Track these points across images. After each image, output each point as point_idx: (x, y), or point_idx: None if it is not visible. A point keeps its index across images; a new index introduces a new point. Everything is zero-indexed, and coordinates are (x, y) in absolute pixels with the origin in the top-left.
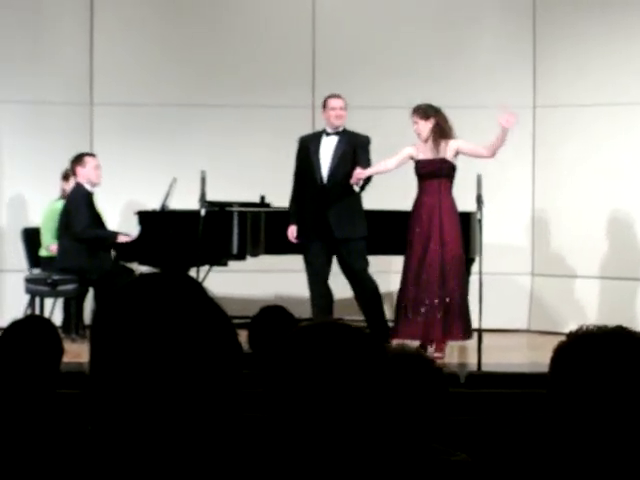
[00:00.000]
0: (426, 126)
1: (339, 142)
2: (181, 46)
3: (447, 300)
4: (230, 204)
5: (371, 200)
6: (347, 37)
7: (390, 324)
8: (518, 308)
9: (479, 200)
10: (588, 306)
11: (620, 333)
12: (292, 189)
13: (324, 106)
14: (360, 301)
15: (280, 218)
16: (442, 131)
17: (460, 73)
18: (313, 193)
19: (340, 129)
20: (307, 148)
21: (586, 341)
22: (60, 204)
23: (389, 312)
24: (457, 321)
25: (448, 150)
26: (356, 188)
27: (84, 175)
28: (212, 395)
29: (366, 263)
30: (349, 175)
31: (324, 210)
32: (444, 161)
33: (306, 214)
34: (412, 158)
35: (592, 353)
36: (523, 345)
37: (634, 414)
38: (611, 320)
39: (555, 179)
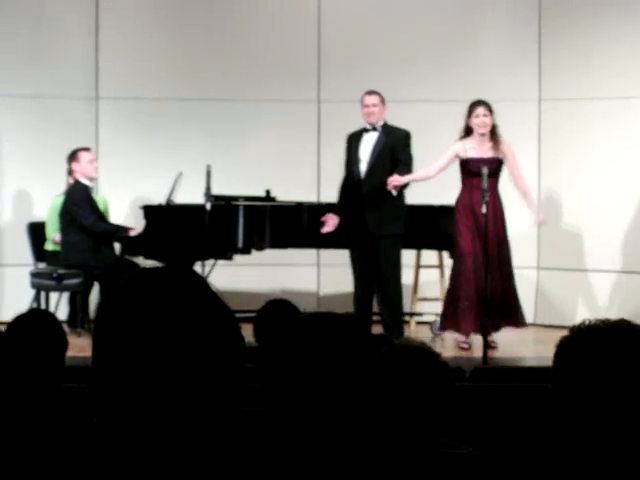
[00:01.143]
0: (492, 121)
1: (378, 139)
2: (187, 40)
3: (506, 291)
4: (235, 198)
5: None
6: (353, 31)
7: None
8: (524, 302)
9: (483, 194)
10: (594, 300)
11: (623, 327)
12: (341, 184)
13: (361, 103)
14: (379, 299)
15: (285, 212)
16: (497, 131)
17: (466, 67)
18: (352, 189)
19: (379, 125)
20: (350, 145)
21: (589, 335)
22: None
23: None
24: (518, 310)
25: (501, 151)
26: (394, 192)
27: (80, 170)
28: (214, 389)
29: (398, 260)
30: (387, 172)
31: (360, 206)
32: (499, 161)
33: (349, 211)
34: (458, 156)
35: (595, 347)
36: (529, 339)
37: (637, 407)
38: (617, 314)
39: (561, 173)
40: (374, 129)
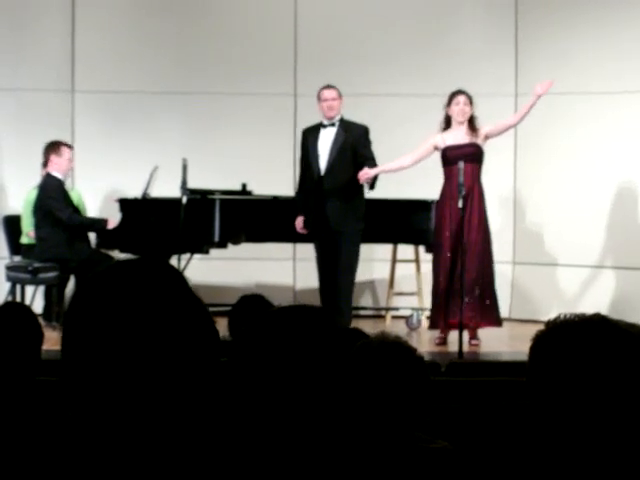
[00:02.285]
0: (471, 110)
1: (337, 134)
2: (163, 33)
3: (481, 287)
4: (212, 192)
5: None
6: (329, 25)
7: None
8: (499, 296)
9: (459, 189)
10: (569, 294)
11: (598, 321)
12: (299, 181)
13: (318, 97)
14: (328, 293)
15: (261, 206)
16: (475, 119)
17: (443, 61)
18: (312, 185)
19: (336, 120)
20: (307, 140)
21: (564, 329)
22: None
23: (371, 300)
24: (489, 308)
25: (480, 136)
26: (366, 187)
27: (58, 164)
28: (188, 382)
29: (357, 254)
30: (348, 167)
31: (322, 202)
32: (478, 146)
33: (310, 206)
34: (436, 148)
35: (570, 341)
36: (504, 333)
37: (612, 401)
38: (593, 308)
39: (536, 167)
40: (332, 124)
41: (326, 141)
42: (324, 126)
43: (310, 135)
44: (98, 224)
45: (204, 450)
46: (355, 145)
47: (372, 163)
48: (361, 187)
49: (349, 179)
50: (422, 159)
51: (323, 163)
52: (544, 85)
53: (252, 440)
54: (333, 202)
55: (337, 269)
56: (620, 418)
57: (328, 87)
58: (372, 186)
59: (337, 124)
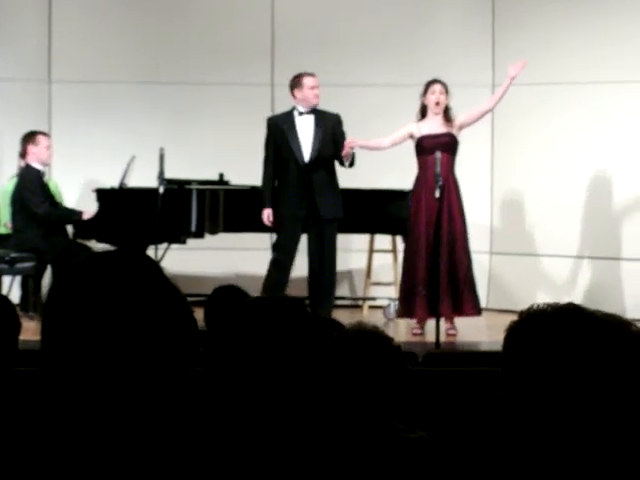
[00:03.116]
0: (447, 100)
1: (318, 122)
2: (140, 23)
3: (457, 276)
4: (189, 182)
5: None
6: (306, 14)
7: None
8: (477, 287)
9: (436, 179)
10: (547, 285)
11: (572, 310)
12: (264, 172)
13: (299, 85)
14: (318, 280)
15: (239, 196)
16: (450, 109)
17: (419, 51)
18: (295, 175)
19: (311, 108)
20: (281, 130)
21: (538, 319)
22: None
23: (348, 290)
24: (469, 297)
25: (455, 126)
26: (346, 163)
27: (36, 153)
28: (166, 372)
29: (336, 242)
30: (330, 155)
31: (309, 190)
32: (453, 136)
33: (287, 195)
34: (412, 137)
35: (543, 331)
36: (482, 323)
37: (585, 391)
38: (570, 298)
39: (513, 157)
40: (308, 112)
41: (306, 130)
42: (300, 114)
43: (284, 124)
44: (73, 216)
45: (181, 439)
46: (334, 133)
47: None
48: (353, 161)
49: (332, 168)
50: (398, 143)
51: (307, 152)
52: (517, 67)
53: (229, 430)
54: (321, 191)
55: (324, 258)
56: (594, 407)
57: (311, 74)
58: (352, 163)
59: (313, 112)
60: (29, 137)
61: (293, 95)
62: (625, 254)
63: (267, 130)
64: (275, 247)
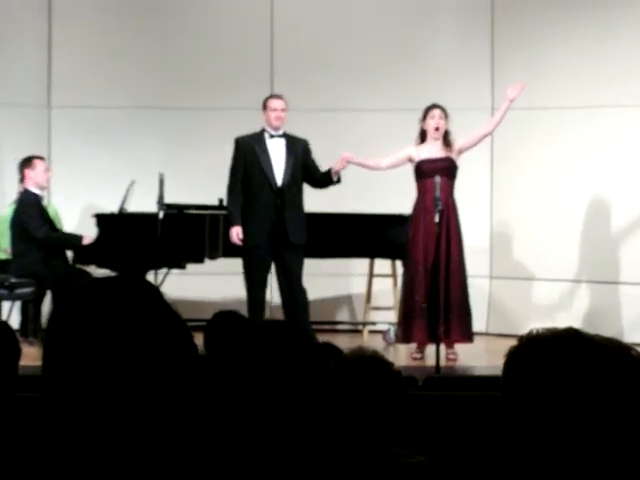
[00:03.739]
0: (446, 125)
1: (289, 146)
2: (139, 49)
3: (450, 302)
4: (188, 207)
5: (330, 202)
6: (305, 39)
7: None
8: (476, 311)
9: (436, 203)
10: (546, 309)
11: (571, 335)
12: (231, 191)
13: (264, 106)
14: (292, 307)
15: None
16: (449, 133)
17: (418, 75)
18: (266, 197)
19: (281, 131)
20: (252, 150)
21: (537, 344)
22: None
23: (348, 314)
24: (460, 323)
25: (454, 150)
26: (334, 178)
27: (33, 178)
28: (167, 398)
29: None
30: (300, 180)
31: (280, 214)
32: (452, 160)
33: (256, 218)
34: (411, 160)
35: (543, 356)
36: (481, 348)
37: (586, 416)
38: (569, 322)
39: (512, 180)
40: (279, 135)
41: (278, 152)
42: (271, 136)
43: (255, 145)
44: (74, 240)
45: (183, 465)
46: (305, 157)
47: (326, 173)
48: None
49: (301, 194)
50: (396, 166)
51: (279, 175)
52: (516, 88)
53: (230, 456)
54: (291, 215)
55: (293, 283)
56: (594, 432)
57: (277, 97)
58: (339, 179)
59: (284, 136)
60: (26, 162)
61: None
62: (623, 278)
63: (235, 149)
64: (247, 283)
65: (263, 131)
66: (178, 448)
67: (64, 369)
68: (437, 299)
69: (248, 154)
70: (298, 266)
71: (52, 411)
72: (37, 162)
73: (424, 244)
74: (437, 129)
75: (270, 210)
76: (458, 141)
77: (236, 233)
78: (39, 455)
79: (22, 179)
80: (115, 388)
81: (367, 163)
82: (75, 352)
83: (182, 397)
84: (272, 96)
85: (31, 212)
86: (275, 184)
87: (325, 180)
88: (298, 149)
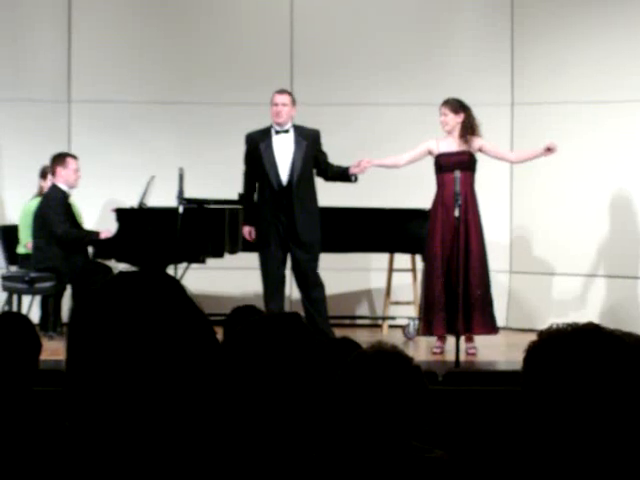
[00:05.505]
0: (454, 120)
1: (297, 142)
2: (159, 43)
3: (470, 295)
4: (208, 201)
5: (348, 197)
6: (325, 35)
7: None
8: (496, 306)
9: (456, 198)
10: (566, 303)
11: (591, 330)
12: (244, 188)
13: (270, 101)
14: (308, 302)
15: None
16: (471, 127)
17: (439, 70)
18: (272, 196)
19: (289, 126)
20: (256, 148)
21: (557, 339)
22: (38, 202)
23: (367, 309)
24: (481, 315)
25: (473, 146)
26: (352, 178)
27: (64, 176)
28: (189, 392)
29: (318, 266)
30: (311, 177)
31: (288, 213)
32: (470, 154)
33: (265, 217)
34: (431, 153)
35: (563, 351)
36: (501, 343)
37: (605, 410)
38: (588, 317)
39: (533, 176)
40: (285, 131)
41: (284, 149)
42: (277, 132)
43: (260, 141)
44: (90, 236)
45: (204, 459)
46: (315, 151)
47: (336, 166)
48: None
49: (313, 188)
50: (416, 160)
51: (285, 173)
52: (554, 146)
53: (248, 451)
54: (301, 212)
55: (307, 279)
56: (614, 427)
57: (280, 92)
58: (356, 179)
59: (291, 131)
60: (58, 158)
61: None
62: None
63: (246, 145)
64: (263, 278)
65: (270, 127)
66: (199, 441)
67: (88, 363)
68: (456, 293)
69: (254, 151)
70: (311, 261)
71: (75, 403)
72: (70, 160)
73: (442, 237)
74: (444, 124)
75: (277, 209)
76: (482, 141)
77: (248, 232)
78: (58, 448)
79: (52, 174)
80: (138, 381)
81: (385, 163)
82: (98, 346)
83: (204, 390)
84: (276, 91)
85: (56, 207)
86: (279, 183)
87: (340, 178)
88: (308, 141)
